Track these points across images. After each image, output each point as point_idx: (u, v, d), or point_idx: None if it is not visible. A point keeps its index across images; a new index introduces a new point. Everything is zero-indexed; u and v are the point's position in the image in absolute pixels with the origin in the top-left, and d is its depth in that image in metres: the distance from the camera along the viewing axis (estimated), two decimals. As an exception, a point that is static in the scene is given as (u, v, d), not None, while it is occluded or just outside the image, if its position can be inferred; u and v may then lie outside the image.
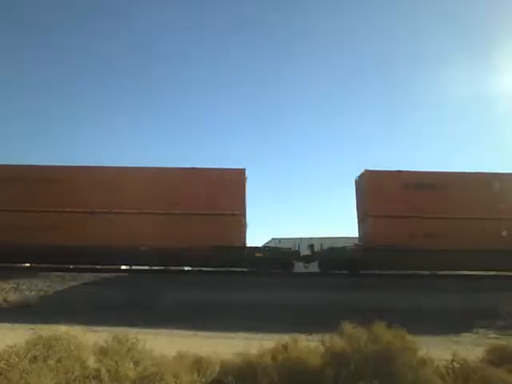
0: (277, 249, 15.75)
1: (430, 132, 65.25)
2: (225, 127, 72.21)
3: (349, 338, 4.21)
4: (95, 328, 6.92)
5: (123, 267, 16.01)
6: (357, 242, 16.57)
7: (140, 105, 66.43)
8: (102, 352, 3.79)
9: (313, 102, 65.23)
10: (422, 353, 4.03)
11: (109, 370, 3.41)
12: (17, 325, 8.96)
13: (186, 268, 16.18)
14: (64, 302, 10.93)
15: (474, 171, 15.91)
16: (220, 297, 11.05)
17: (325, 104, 64.99)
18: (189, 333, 8.15)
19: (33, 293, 11.30)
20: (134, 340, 4.04)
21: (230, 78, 67.60)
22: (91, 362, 3.57)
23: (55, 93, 65.16)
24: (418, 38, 59.36)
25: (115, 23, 61.51)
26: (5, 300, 10.85)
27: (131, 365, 3.54)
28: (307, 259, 15.39)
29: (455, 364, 4.08)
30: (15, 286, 11.81)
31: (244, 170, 15.39)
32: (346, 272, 14.78)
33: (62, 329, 4.01)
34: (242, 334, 7.94)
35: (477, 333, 8.78)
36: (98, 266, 14.79)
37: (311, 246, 15.61)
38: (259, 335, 7.75)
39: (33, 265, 15.02)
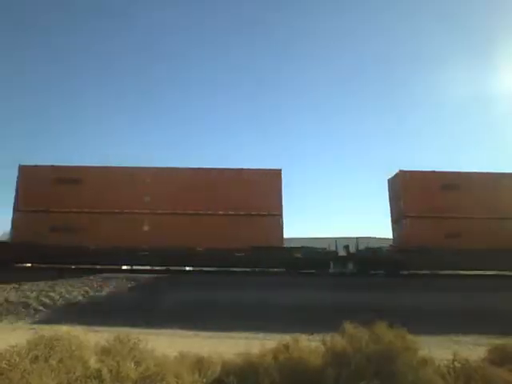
0: (313, 249, 15.57)
1: (430, 132, 65.40)
2: (225, 127, 72.28)
3: (350, 337, 4.21)
4: (97, 328, 6.95)
5: (124, 267, 15.99)
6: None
7: (140, 105, 66.62)
8: (104, 352, 3.79)
9: (313, 101, 65.39)
10: (423, 353, 4.03)
11: (110, 370, 3.41)
12: (18, 324, 8.99)
13: (187, 268, 16.17)
14: (65, 302, 10.94)
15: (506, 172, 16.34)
16: (221, 297, 11.05)
17: (325, 104, 65.15)
18: (190, 333, 8.18)
19: (34, 293, 11.29)
20: (136, 340, 4.04)
21: (230, 77, 67.77)
22: (93, 362, 3.57)
23: (55, 93, 65.38)
24: (418, 38, 59.45)
25: (115, 23, 61.66)
26: (6, 300, 10.85)
27: (133, 365, 3.54)
28: (344, 259, 15.26)
29: (456, 364, 4.08)
30: (16, 286, 11.81)
31: (280, 170, 15.52)
32: (382, 272, 14.82)
33: (63, 329, 4.02)
34: (243, 334, 7.94)
35: (478, 332, 8.76)
36: (98, 266, 14.77)
37: (346, 247, 15.54)
38: (260, 335, 7.77)
39: (34, 265, 15.03)
